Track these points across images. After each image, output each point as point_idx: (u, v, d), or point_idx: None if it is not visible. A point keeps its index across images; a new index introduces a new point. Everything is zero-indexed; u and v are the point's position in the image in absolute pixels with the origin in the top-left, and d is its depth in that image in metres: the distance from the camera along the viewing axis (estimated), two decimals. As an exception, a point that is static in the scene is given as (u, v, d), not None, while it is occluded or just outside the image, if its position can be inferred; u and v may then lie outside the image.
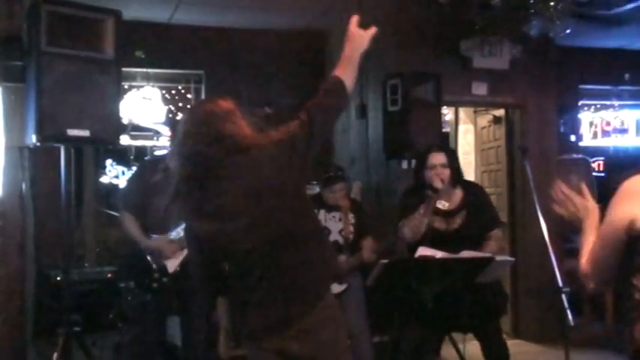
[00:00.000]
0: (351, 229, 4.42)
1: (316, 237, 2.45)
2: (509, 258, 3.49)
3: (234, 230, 2.30)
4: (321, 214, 4.39)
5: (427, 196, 3.76)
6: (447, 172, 3.83)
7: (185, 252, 3.95)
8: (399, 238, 3.92)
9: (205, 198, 2.32)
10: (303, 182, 2.50)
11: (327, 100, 2.42)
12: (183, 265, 3.96)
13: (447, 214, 3.82)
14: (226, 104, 2.44)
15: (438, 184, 3.74)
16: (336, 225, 4.38)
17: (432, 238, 3.69)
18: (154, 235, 3.96)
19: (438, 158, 3.87)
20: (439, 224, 3.81)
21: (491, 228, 3.87)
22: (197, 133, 2.31)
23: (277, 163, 2.29)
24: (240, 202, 2.28)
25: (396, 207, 4.22)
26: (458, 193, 3.92)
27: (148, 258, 3.94)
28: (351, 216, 4.44)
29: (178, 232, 3.96)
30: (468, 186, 4.06)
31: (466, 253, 3.40)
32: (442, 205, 3.77)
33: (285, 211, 2.30)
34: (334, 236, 4.37)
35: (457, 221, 3.83)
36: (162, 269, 3.94)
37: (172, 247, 3.93)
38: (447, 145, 4.21)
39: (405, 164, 4.98)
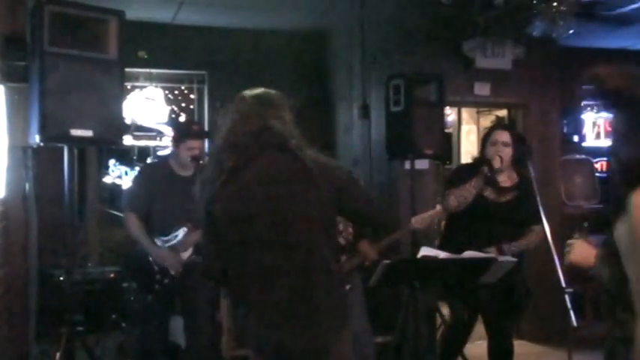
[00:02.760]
0: (350, 229, 4.43)
1: (333, 266, 2.42)
2: (511, 259, 3.46)
3: (255, 226, 2.30)
4: None
5: (481, 171, 3.83)
6: (507, 151, 3.92)
7: (187, 254, 3.96)
8: (444, 207, 3.91)
9: (238, 188, 2.32)
10: (330, 215, 2.42)
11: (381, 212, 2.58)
12: (185, 266, 3.96)
13: (499, 188, 3.92)
14: (279, 99, 2.48)
15: (497, 164, 3.85)
16: (339, 225, 4.39)
17: (480, 207, 3.81)
18: (159, 238, 3.96)
19: (502, 136, 3.96)
20: (490, 194, 3.90)
21: (535, 221, 3.84)
22: (246, 124, 2.35)
23: (318, 186, 2.31)
24: (266, 201, 2.29)
25: (446, 178, 4.41)
26: (513, 176, 4.01)
27: (150, 259, 3.95)
28: (351, 217, 4.45)
29: (181, 233, 3.97)
30: (524, 173, 4.07)
31: (469, 254, 3.39)
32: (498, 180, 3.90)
33: (304, 229, 2.31)
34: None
35: (507, 196, 3.93)
36: (164, 270, 3.94)
37: (174, 258, 3.92)
38: (512, 125, 4.50)
39: (407, 164, 4.98)
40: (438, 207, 4.03)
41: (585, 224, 3.23)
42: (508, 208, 3.89)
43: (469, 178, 3.84)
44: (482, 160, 3.99)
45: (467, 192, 3.78)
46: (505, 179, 3.98)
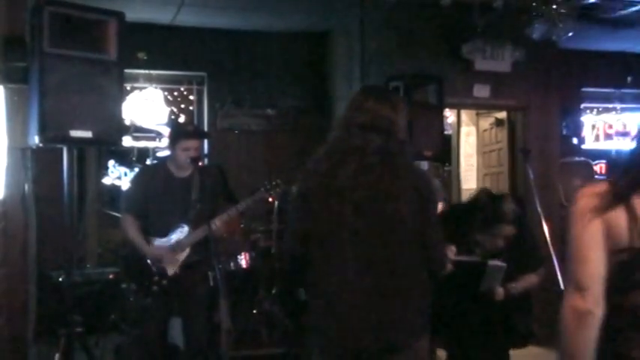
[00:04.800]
0: None
1: (422, 274, 2.43)
2: (499, 263, 3.33)
3: (347, 213, 2.32)
4: None
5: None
6: None
7: (185, 254, 3.95)
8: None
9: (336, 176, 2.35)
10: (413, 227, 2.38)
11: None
12: (182, 267, 3.95)
13: (485, 255, 3.33)
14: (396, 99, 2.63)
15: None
16: None
17: None
18: (156, 239, 3.95)
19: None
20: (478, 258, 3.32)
21: (536, 269, 3.44)
22: (390, 134, 2.41)
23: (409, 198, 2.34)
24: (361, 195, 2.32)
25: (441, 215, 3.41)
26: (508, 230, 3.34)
27: (148, 261, 3.94)
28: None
29: (178, 234, 3.96)
30: (521, 224, 3.42)
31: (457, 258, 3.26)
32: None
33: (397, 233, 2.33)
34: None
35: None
36: (162, 272, 3.94)
37: (170, 255, 3.91)
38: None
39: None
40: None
41: None
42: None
43: (463, 224, 3.31)
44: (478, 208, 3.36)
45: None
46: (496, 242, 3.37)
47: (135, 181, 4.33)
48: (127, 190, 4.69)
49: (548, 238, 3.51)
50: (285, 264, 2.76)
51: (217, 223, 3.90)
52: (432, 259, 2.44)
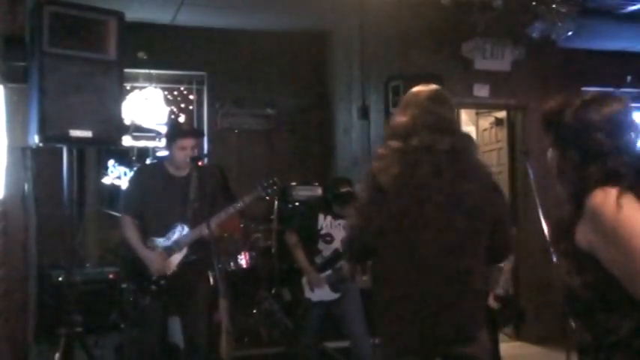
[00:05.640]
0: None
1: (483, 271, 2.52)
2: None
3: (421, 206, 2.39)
4: (327, 220, 4.47)
5: None
6: None
7: (183, 254, 3.94)
8: None
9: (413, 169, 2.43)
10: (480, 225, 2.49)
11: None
12: (181, 266, 3.94)
13: None
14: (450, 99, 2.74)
15: None
16: (340, 233, 4.40)
17: None
18: (155, 239, 3.94)
19: None
20: None
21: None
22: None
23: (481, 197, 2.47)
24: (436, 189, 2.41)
25: None
26: None
27: (147, 261, 3.94)
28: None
29: (177, 233, 3.95)
30: None
31: None
32: None
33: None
34: (337, 244, 4.42)
35: None
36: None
37: (161, 261, 3.89)
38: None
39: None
40: None
41: None
42: None
43: None
44: None
45: None
46: None
47: (132, 180, 4.32)
48: (125, 190, 4.69)
49: (548, 237, 3.51)
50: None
51: (211, 225, 3.87)
52: (502, 249, 2.57)
